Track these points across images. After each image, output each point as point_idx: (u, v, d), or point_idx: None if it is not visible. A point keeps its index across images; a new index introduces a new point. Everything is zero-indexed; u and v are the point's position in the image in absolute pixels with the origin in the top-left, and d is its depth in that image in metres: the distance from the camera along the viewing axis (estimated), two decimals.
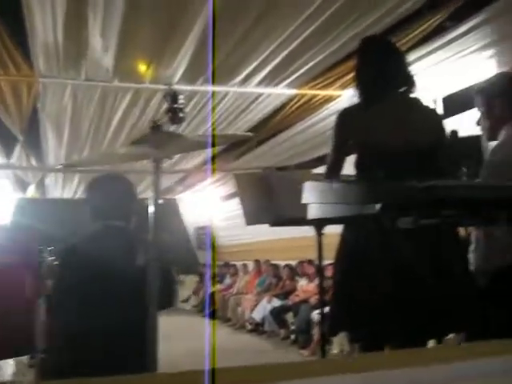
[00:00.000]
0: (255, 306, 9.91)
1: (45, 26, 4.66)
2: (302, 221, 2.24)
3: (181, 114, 6.65)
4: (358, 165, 2.54)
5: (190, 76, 5.94)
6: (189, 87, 6.22)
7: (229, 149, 9.17)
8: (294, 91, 6.51)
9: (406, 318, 2.13)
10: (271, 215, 2.90)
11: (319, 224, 2.84)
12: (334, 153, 2.59)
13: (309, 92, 6.47)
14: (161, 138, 1.95)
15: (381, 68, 2.64)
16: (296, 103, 6.84)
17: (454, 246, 2.29)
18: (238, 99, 6.67)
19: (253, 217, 3.02)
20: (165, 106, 6.40)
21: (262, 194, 2.99)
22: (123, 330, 2.20)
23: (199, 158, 9.81)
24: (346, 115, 2.64)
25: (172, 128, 6.98)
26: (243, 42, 5.13)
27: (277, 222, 2.93)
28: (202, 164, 10.33)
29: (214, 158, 9.86)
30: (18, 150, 8.41)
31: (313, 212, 1.88)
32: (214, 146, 2.97)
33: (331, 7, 4.51)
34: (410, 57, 5.41)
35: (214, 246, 14.42)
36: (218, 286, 13.00)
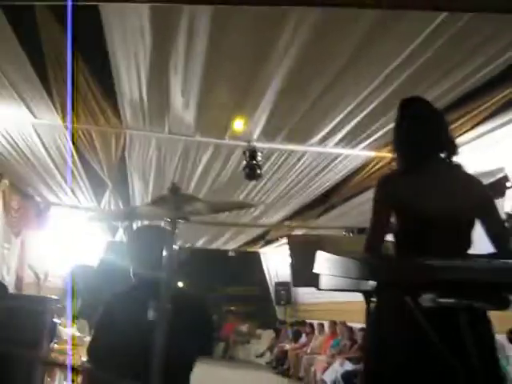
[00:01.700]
0: (327, 367, 9.68)
1: (130, 83, 4.94)
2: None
3: (258, 171, 6.83)
4: (398, 235, 2.45)
5: (269, 133, 6.06)
6: (267, 145, 6.35)
7: (312, 206, 9.16)
8: (372, 153, 6.45)
9: None
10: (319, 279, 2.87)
11: (368, 292, 2.76)
12: (374, 223, 2.49)
13: (387, 155, 6.38)
14: (179, 200, 1.99)
15: (420, 131, 2.53)
16: (375, 165, 6.77)
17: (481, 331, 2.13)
18: (316, 159, 6.70)
19: (301, 279, 3.00)
20: (243, 161, 6.64)
21: (312, 256, 2.97)
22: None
23: (281, 213, 9.85)
24: (385, 182, 2.56)
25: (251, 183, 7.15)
26: (322, 101, 5.15)
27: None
28: (284, 219, 10.36)
29: (295, 214, 9.87)
30: (107, 195, 8.81)
31: (324, 282, 1.85)
32: (225, 211, 2.98)
33: (411, 67, 4.42)
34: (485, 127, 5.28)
35: (292, 302, 14.30)
36: (293, 344, 12.84)
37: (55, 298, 1.76)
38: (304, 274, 3.10)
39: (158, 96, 5.21)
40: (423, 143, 2.52)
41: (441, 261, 1.58)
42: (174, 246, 2.08)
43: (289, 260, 3.14)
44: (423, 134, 2.53)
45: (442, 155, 2.55)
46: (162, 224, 2.07)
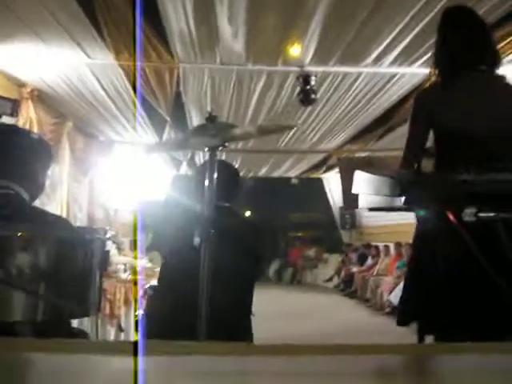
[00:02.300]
0: (394, 288, 9.78)
1: (178, 16, 4.93)
2: (400, 208, 2.21)
3: (313, 96, 6.74)
4: (438, 149, 2.39)
5: (322, 57, 5.94)
6: (321, 68, 6.25)
7: (372, 128, 9.03)
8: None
9: (477, 312, 2.04)
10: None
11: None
12: (410, 139, 2.42)
13: None
14: (216, 128, 2.02)
15: (460, 40, 2.37)
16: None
17: None
18: (371, 80, 6.55)
19: (352, 201, 3.02)
20: (298, 87, 6.56)
21: None
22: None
23: (341, 137, 9.75)
24: (422, 97, 2.48)
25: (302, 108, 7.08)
26: (373, 19, 4.97)
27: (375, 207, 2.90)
28: (344, 144, 10.26)
29: (355, 138, 9.76)
30: (167, 130, 8.96)
31: (362, 201, 1.87)
32: (262, 135, 2.98)
33: None
34: None
35: (357, 226, 14.37)
36: (360, 267, 13.00)
37: (105, 228, 1.86)
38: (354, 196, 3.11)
39: (206, 27, 5.18)
40: (463, 53, 2.37)
41: (475, 175, 1.56)
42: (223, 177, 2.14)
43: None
44: (463, 43, 2.38)
45: (484, 67, 2.39)
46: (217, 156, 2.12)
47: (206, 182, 2.01)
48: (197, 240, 1.96)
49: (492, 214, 1.53)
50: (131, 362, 1.00)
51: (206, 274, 1.84)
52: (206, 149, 1.95)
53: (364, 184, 1.82)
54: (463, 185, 1.50)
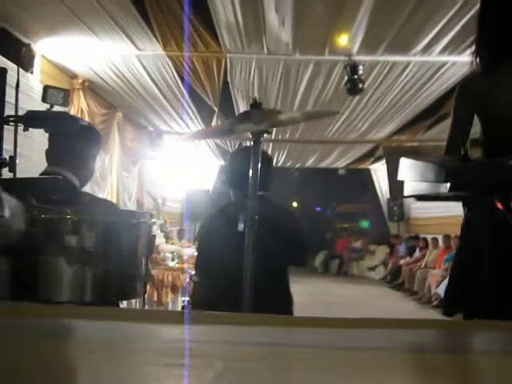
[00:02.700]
0: (441, 281, 9.63)
1: (224, 6, 4.96)
2: (448, 197, 2.18)
3: (360, 85, 6.68)
4: (485, 137, 2.33)
5: (370, 46, 5.88)
6: (369, 58, 6.18)
7: (421, 118, 8.89)
8: None
9: None
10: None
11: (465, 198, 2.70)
12: (454, 128, 2.37)
13: None
14: (261, 114, 2.04)
15: (504, 20, 2.20)
16: None
17: None
18: (420, 69, 6.44)
19: (398, 191, 2.98)
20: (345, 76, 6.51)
21: None
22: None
23: (389, 127, 9.63)
24: (466, 83, 2.41)
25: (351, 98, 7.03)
26: (422, 6, 4.89)
27: (436, 199, 2.85)
28: (392, 134, 10.13)
29: (404, 128, 9.63)
30: (215, 120, 9.03)
31: (408, 188, 1.85)
32: (305, 120, 2.96)
33: None
34: None
35: (405, 218, 14.17)
36: (407, 259, 12.84)
37: (150, 212, 1.91)
38: (400, 186, 3.07)
39: (253, 16, 5.20)
40: (504, 37, 2.22)
41: None
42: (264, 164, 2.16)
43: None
44: (503, 26, 2.22)
45: None
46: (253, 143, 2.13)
47: (250, 169, 2.03)
48: (241, 226, 1.99)
49: None
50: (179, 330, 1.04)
51: (250, 260, 1.86)
52: (251, 135, 1.98)
53: (409, 171, 1.80)
54: (511, 170, 1.47)
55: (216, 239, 2.57)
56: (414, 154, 2.97)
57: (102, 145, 2.39)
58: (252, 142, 2.00)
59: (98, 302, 1.54)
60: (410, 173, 1.81)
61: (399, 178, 1.92)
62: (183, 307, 5.53)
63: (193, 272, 3.04)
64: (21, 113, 2.26)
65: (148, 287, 6.64)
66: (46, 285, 1.47)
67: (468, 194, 1.72)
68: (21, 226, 1.35)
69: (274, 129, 10.10)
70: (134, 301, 5.63)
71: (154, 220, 1.71)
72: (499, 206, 1.64)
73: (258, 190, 2.02)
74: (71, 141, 2.17)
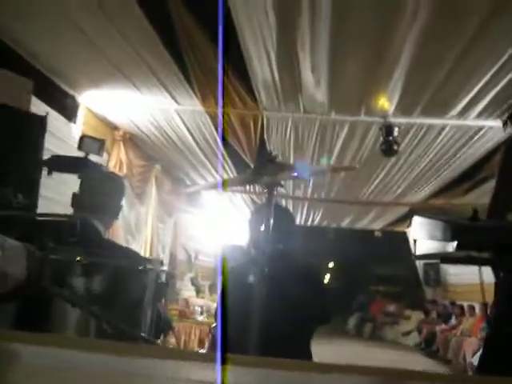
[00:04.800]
0: (477, 350, 9.30)
1: (262, 64, 5.08)
2: (474, 260, 2.14)
3: (395, 147, 6.68)
4: None
5: (405, 108, 5.90)
6: (404, 120, 6.20)
7: (458, 182, 8.78)
8: None
9: None
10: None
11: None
12: (498, 189, 2.33)
13: None
14: (275, 168, 2.06)
15: None
16: None
17: None
18: (457, 132, 6.42)
19: (424, 254, 2.95)
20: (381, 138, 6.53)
21: None
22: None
23: (426, 190, 9.54)
24: None
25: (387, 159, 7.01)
26: (458, 70, 4.89)
27: (445, 260, 2.81)
28: (429, 197, 10.01)
29: (441, 191, 9.51)
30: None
31: (420, 248, 1.82)
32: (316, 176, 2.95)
33: None
34: None
35: (441, 283, 13.84)
36: (443, 326, 12.47)
37: (160, 259, 1.93)
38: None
39: (289, 75, 5.30)
40: None
41: None
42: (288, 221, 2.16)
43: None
44: None
45: None
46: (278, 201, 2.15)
47: (262, 222, 2.04)
48: (251, 278, 1.99)
49: None
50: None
51: (258, 314, 1.85)
52: (265, 189, 1.99)
53: (420, 229, 1.78)
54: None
55: (230, 292, 2.56)
56: (441, 214, 2.92)
57: (125, 191, 2.45)
58: (266, 195, 2.01)
59: None
60: (420, 231, 1.78)
61: (411, 236, 1.90)
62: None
63: (214, 324, 3.02)
64: None
65: (174, 339, 6.59)
66: (49, 324, 1.49)
67: (474, 252, 1.68)
68: (18, 269, 1.37)
69: (310, 188, 10.16)
70: None
71: (164, 267, 1.72)
72: None
73: (274, 244, 2.02)
74: (96, 187, 2.22)
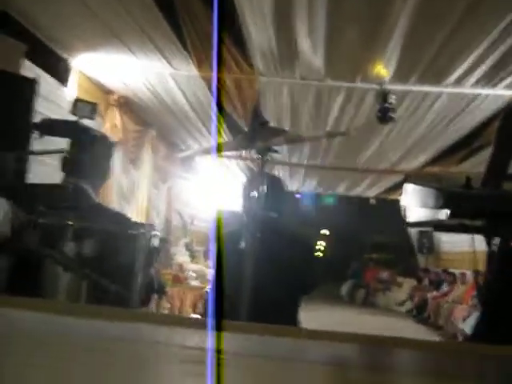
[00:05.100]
0: (468, 317, 9.42)
1: (258, 30, 5.01)
2: (467, 228, 2.14)
3: (391, 114, 6.64)
4: None
5: (402, 75, 5.85)
6: (400, 87, 6.15)
7: (454, 150, 8.77)
8: None
9: None
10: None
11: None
12: (494, 158, 2.31)
13: None
14: (267, 133, 2.05)
15: None
16: None
17: None
18: (453, 100, 6.38)
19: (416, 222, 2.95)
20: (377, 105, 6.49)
21: None
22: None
23: (421, 158, 9.54)
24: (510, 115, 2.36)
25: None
26: (455, 37, 4.84)
27: (438, 228, 2.81)
28: (424, 165, 10.01)
29: (436, 159, 9.51)
30: None
31: (411, 215, 1.82)
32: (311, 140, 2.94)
33: None
34: None
35: (434, 252, 13.95)
36: (434, 293, 12.61)
37: (151, 224, 1.94)
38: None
39: (285, 41, 5.24)
40: None
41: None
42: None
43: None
44: None
45: None
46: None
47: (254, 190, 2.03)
48: (242, 244, 2.00)
49: None
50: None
51: (248, 278, 1.86)
52: (259, 155, 1.98)
53: (411, 196, 1.78)
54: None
55: (223, 258, 2.56)
56: (436, 182, 2.91)
57: (114, 152, 2.44)
58: (258, 161, 2.01)
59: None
60: (412, 198, 1.78)
61: (402, 203, 1.90)
62: None
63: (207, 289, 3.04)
64: None
65: (167, 303, 6.67)
66: (40, 287, 1.50)
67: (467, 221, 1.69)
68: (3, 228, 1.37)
69: (306, 155, 10.14)
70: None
71: (156, 232, 1.73)
72: None
73: (267, 211, 2.02)
74: (86, 150, 2.20)
